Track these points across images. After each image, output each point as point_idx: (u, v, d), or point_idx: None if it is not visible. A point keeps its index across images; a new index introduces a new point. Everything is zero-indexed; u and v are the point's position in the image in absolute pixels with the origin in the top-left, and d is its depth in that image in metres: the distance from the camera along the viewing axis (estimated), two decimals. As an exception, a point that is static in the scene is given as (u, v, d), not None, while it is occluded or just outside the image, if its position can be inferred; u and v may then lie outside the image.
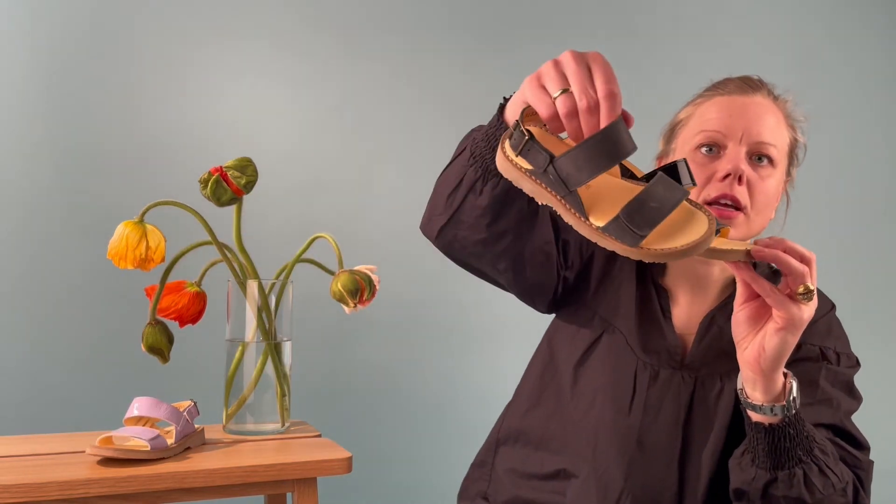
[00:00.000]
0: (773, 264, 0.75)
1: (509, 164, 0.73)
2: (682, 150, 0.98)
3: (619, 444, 0.95)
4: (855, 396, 0.97)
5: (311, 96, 1.99)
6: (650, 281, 1.02)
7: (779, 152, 0.95)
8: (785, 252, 0.75)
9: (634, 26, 2.27)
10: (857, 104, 2.49)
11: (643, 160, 1.07)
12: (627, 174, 0.75)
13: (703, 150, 0.95)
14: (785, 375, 0.83)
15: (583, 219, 0.69)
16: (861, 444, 0.93)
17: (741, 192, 0.91)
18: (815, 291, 0.76)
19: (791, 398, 0.82)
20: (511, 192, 0.83)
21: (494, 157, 0.79)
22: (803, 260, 0.76)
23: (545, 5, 2.19)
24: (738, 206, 0.92)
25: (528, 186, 0.72)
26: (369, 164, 2.03)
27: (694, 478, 0.94)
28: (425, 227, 0.94)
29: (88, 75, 1.82)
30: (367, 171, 2.02)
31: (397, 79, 2.06)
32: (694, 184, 0.75)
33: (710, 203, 0.92)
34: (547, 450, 1.02)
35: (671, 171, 0.74)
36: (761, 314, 0.80)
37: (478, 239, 0.88)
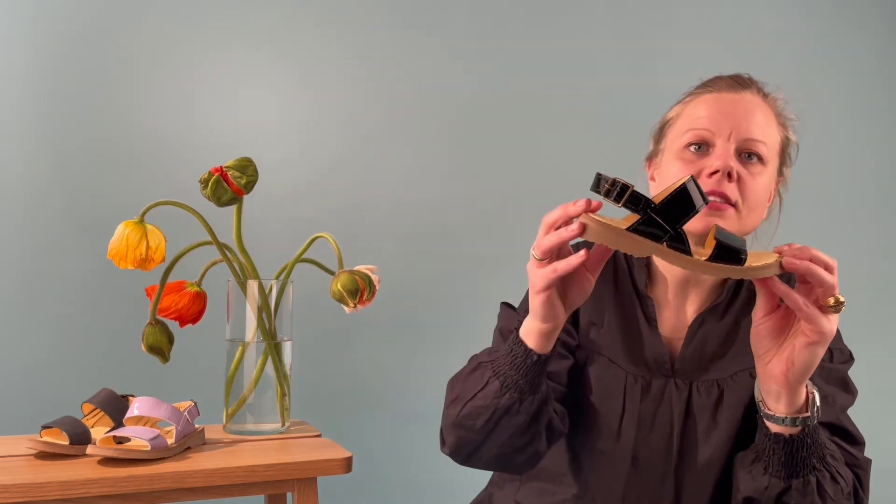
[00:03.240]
0: (805, 276, 0.74)
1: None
2: (670, 148, 0.97)
3: (613, 468, 0.96)
4: (850, 391, 0.96)
5: (312, 96, 1.99)
6: (632, 293, 1.01)
7: (769, 150, 0.94)
8: (811, 261, 0.74)
9: (631, 25, 2.27)
10: (857, 103, 2.49)
11: (636, 161, 1.08)
12: (642, 204, 0.74)
13: (692, 148, 0.93)
14: (805, 385, 0.82)
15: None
16: (857, 440, 0.93)
17: (731, 189, 0.90)
18: (845, 302, 0.75)
19: (815, 409, 0.81)
20: (542, 407, 0.89)
21: (527, 381, 0.85)
22: (828, 268, 0.74)
23: (545, 5, 2.19)
24: (728, 202, 0.90)
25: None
26: (369, 164, 2.03)
27: (694, 487, 0.93)
28: (453, 455, 0.95)
29: (89, 75, 1.82)
30: (367, 171, 2.02)
31: (397, 79, 2.06)
32: (706, 202, 0.75)
33: None
34: (560, 483, 1.02)
35: (681, 193, 0.73)
36: (784, 326, 0.79)
37: (512, 450, 0.91)
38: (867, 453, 0.94)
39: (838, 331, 0.99)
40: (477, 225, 2.08)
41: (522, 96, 2.15)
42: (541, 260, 0.77)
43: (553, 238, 0.75)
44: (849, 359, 0.98)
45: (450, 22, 2.11)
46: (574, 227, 0.73)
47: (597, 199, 0.74)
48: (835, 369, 0.95)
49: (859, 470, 0.90)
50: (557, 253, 0.78)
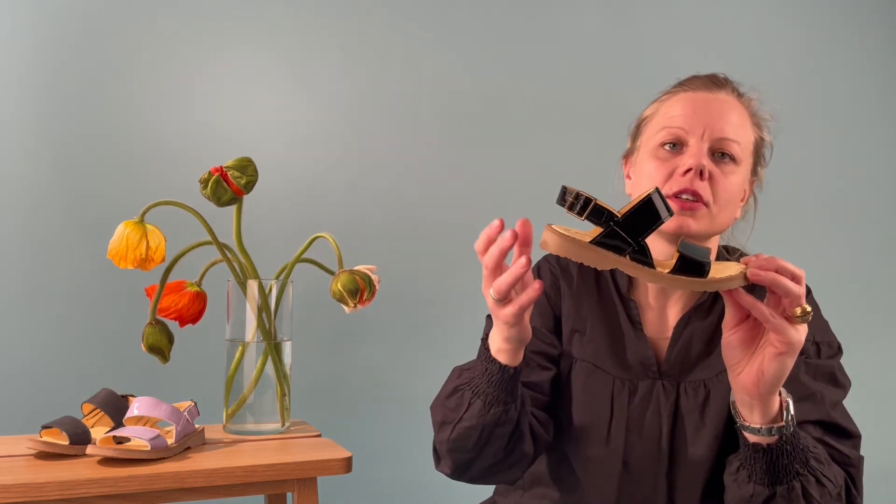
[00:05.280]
0: (771, 287, 0.74)
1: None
2: (646, 146, 0.98)
3: (605, 474, 0.96)
4: (840, 385, 0.95)
5: (311, 96, 1.99)
6: (615, 296, 1.01)
7: (742, 150, 0.94)
8: (778, 272, 0.74)
9: (632, 25, 2.27)
10: (857, 103, 2.49)
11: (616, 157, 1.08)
12: (604, 217, 0.74)
13: (667, 146, 0.94)
14: (779, 394, 0.81)
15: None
16: (850, 433, 0.92)
17: (703, 187, 0.90)
18: (812, 312, 0.75)
19: (789, 418, 0.80)
20: (521, 409, 0.90)
21: (507, 393, 0.86)
22: (795, 279, 0.74)
23: (544, 7, 2.19)
24: (700, 200, 0.90)
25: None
26: (369, 164, 2.03)
27: (685, 487, 0.93)
28: (452, 475, 0.97)
29: (89, 75, 1.82)
30: (367, 171, 2.02)
31: (397, 79, 2.06)
32: (670, 213, 0.75)
33: (671, 197, 0.91)
34: (558, 489, 1.02)
35: (646, 205, 0.73)
36: (754, 337, 0.79)
37: (498, 460, 0.92)
38: (865, 451, 0.93)
39: (826, 323, 0.99)
40: (477, 225, 2.06)
41: (523, 95, 2.15)
42: (499, 300, 0.77)
43: (507, 278, 0.76)
44: (837, 352, 0.97)
45: (450, 22, 2.11)
46: (523, 260, 0.74)
47: (562, 214, 0.75)
48: (822, 365, 0.94)
49: (851, 468, 0.89)
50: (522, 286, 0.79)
